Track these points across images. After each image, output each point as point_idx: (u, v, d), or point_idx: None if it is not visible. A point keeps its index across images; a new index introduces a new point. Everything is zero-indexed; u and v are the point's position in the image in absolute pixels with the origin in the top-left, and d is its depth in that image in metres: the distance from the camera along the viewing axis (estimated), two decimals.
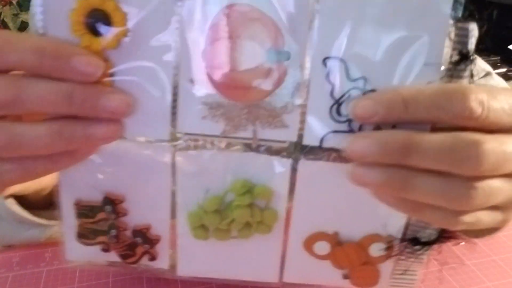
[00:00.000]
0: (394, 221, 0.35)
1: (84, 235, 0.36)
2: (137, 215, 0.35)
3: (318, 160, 0.32)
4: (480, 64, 0.32)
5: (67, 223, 0.36)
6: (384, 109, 0.28)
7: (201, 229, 0.35)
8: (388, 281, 0.37)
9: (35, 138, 0.28)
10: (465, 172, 0.27)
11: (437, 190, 0.28)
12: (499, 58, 1.47)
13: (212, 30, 0.29)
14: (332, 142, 0.31)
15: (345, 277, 0.38)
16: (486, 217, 0.30)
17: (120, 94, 0.30)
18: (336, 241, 0.36)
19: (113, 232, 0.36)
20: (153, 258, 0.37)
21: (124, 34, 0.29)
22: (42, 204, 0.49)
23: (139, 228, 0.36)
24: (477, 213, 0.29)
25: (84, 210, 0.35)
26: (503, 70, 1.44)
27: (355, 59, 0.30)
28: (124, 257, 0.37)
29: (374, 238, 0.35)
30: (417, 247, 0.34)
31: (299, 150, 0.32)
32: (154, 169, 0.33)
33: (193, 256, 0.37)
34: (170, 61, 0.30)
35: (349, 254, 0.36)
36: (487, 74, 0.32)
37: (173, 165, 0.33)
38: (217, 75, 0.30)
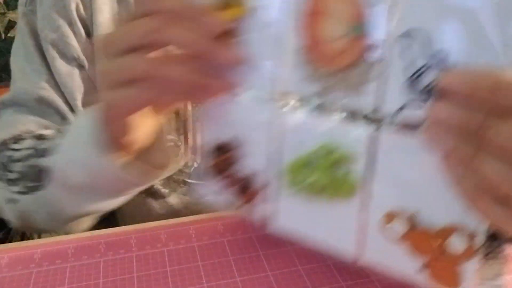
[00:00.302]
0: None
1: (213, 173, 0.44)
2: (248, 162, 0.42)
3: (398, 131, 0.34)
4: None
5: (203, 162, 0.44)
6: (468, 87, 0.27)
7: (291, 184, 0.40)
8: (474, 285, 0.34)
9: (176, 69, 0.37)
10: None
11: (507, 171, 0.27)
12: None
13: (306, 5, 0.35)
14: (409, 113, 0.33)
15: (423, 268, 0.36)
16: None
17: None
18: (413, 223, 0.35)
19: (232, 170, 0.43)
20: (254, 205, 0.42)
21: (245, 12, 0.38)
22: None
23: (248, 173, 0.42)
24: None
25: (215, 151, 0.43)
26: None
27: (439, 31, 0.30)
28: (236, 198, 0.44)
29: (452, 229, 0.34)
30: (496, 243, 0.33)
31: (380, 120, 0.35)
32: (263, 123, 0.40)
33: (284, 211, 0.41)
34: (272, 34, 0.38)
35: (422, 240, 0.35)
36: None
37: (275, 122, 0.39)
38: (312, 45, 0.36)
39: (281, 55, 0.37)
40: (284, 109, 0.38)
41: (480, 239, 0.32)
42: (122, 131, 0.42)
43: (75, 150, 0.47)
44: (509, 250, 0.33)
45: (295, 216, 0.41)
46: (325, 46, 0.35)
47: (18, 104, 0.61)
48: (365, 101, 0.34)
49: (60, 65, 0.60)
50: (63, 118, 0.61)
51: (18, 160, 0.54)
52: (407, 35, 0.31)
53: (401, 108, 0.33)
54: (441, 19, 0.30)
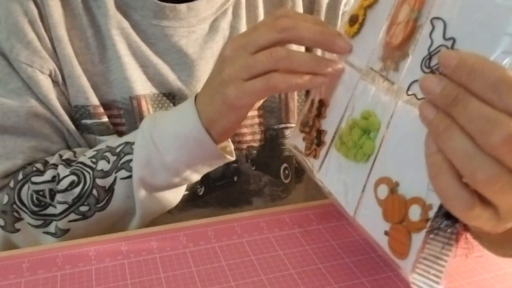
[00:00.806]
0: None
1: (301, 124, 0.52)
2: (325, 119, 0.49)
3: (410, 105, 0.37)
4: None
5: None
6: (454, 65, 0.30)
7: (337, 141, 0.46)
8: (416, 259, 0.36)
9: (303, 59, 0.47)
10: None
11: (467, 148, 0.29)
12: None
13: None
14: (416, 89, 0.36)
15: (386, 233, 0.39)
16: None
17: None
18: (393, 190, 0.38)
19: (310, 123, 0.51)
20: (315, 156, 0.48)
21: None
22: None
23: (320, 129, 0.49)
24: (501, 166, 0.29)
25: (311, 104, 0.51)
26: None
27: (453, 21, 0.35)
28: (306, 147, 0.50)
29: (416, 200, 0.36)
30: (448, 222, 0.35)
31: (399, 92, 0.39)
32: (346, 90, 0.46)
33: (326, 166, 0.47)
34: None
35: (394, 206, 0.38)
36: None
37: (353, 90, 0.45)
38: (389, 27, 0.42)
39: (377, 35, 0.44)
40: (361, 81, 0.44)
41: (433, 212, 0.34)
42: (238, 121, 0.52)
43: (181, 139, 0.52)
44: (459, 234, 0.35)
45: (330, 171, 0.46)
46: (394, 27, 0.41)
47: (7, 130, 0.59)
48: (398, 76, 0.39)
49: (39, 81, 0.59)
50: (60, 133, 0.61)
51: (63, 191, 0.55)
52: (432, 22, 0.36)
53: (414, 81, 0.37)
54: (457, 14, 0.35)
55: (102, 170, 0.55)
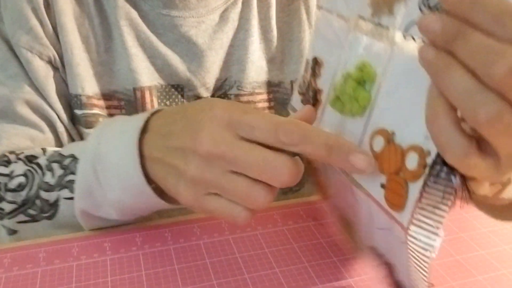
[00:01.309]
0: None
1: (299, 86, 0.50)
2: (320, 78, 0.46)
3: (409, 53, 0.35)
4: None
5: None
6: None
7: (332, 95, 0.43)
8: (414, 209, 0.34)
9: (282, 166, 0.38)
10: None
11: (484, 46, 0.27)
12: None
13: None
14: (414, 31, 0.34)
15: (382, 186, 0.37)
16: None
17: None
18: (389, 139, 0.37)
19: (307, 83, 0.48)
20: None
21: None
22: None
23: (317, 88, 0.46)
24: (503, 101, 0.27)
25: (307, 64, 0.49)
26: None
27: None
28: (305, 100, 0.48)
29: (414, 148, 0.34)
30: (447, 169, 0.33)
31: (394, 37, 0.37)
32: (337, 44, 0.44)
33: (323, 120, 0.45)
34: None
35: (390, 156, 0.36)
36: None
37: (344, 43, 0.43)
38: None
39: None
40: (351, 32, 0.42)
41: (431, 158, 0.32)
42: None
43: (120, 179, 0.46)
44: (458, 185, 0.33)
45: (325, 129, 0.44)
46: None
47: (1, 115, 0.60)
48: (393, 19, 0.37)
49: (37, 67, 0.59)
50: (50, 122, 0.61)
51: (12, 190, 0.52)
52: None
53: (411, 24, 0.35)
54: None
55: (47, 183, 0.52)
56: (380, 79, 0.38)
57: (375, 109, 0.38)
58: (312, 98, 0.47)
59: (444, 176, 0.33)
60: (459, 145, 0.29)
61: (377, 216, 0.38)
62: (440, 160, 0.32)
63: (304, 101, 0.49)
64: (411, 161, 0.34)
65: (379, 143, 0.37)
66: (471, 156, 0.29)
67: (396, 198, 0.35)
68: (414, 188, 0.34)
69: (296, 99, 0.50)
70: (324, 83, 0.45)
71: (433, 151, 0.32)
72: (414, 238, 0.34)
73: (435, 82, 0.30)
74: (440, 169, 0.32)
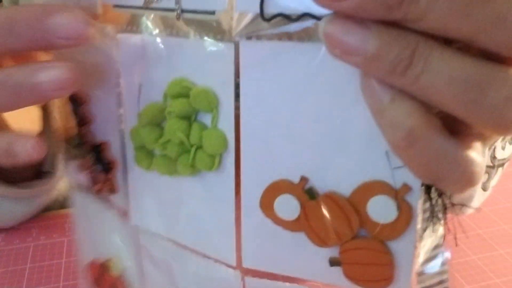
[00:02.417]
0: None
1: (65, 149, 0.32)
2: (97, 125, 0.29)
3: (265, 40, 0.21)
4: None
5: None
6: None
7: (142, 151, 0.27)
8: (412, 274, 0.22)
9: None
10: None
11: (459, 71, 0.17)
12: None
13: None
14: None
15: (334, 262, 0.23)
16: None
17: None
18: (305, 193, 0.23)
19: (77, 141, 0.30)
20: (112, 189, 0.30)
21: None
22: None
23: (97, 143, 0.29)
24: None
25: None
26: None
27: None
28: (92, 181, 0.31)
29: (373, 187, 0.21)
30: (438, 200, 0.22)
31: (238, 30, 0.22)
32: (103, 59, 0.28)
33: (141, 196, 0.29)
34: None
35: (331, 214, 0.22)
36: None
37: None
38: None
39: None
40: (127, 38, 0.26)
41: (415, 194, 0.21)
42: None
43: None
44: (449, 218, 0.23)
45: (157, 201, 0.29)
46: None
47: None
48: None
49: None
50: None
51: None
52: None
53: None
54: None
55: None
56: (228, 104, 0.24)
57: (243, 155, 0.24)
58: (98, 158, 0.30)
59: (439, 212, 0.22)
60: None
61: None
62: (426, 192, 0.21)
63: (84, 167, 0.32)
64: (379, 210, 0.21)
65: (289, 204, 0.23)
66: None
67: (371, 271, 0.23)
68: (403, 248, 0.22)
69: (70, 174, 0.33)
70: (110, 130, 0.29)
71: (415, 183, 0.21)
72: None
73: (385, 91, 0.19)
74: (433, 206, 0.22)
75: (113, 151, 0.29)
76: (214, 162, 0.24)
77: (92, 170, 0.30)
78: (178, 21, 0.23)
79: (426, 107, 0.18)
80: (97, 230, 0.33)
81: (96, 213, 0.32)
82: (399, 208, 0.21)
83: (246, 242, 0.25)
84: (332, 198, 0.22)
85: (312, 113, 0.21)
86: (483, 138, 0.21)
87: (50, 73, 0.24)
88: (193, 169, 0.25)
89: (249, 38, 0.21)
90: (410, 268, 0.22)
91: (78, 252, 0.34)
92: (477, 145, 0.20)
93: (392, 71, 0.18)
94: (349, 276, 0.23)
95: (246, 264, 0.26)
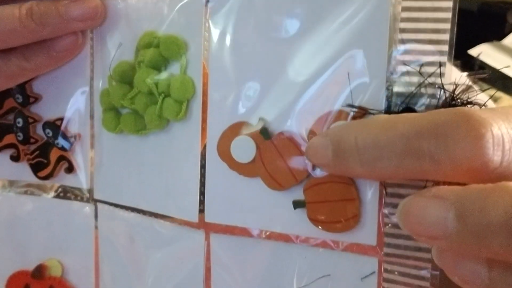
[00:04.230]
0: None
1: None
2: (51, 102, 0.29)
3: None
4: None
5: None
6: (333, 155, 0.18)
7: (110, 112, 0.27)
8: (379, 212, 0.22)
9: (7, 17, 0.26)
10: None
11: None
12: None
13: None
14: None
15: (297, 204, 0.23)
16: None
17: None
18: (260, 133, 0.23)
19: (20, 123, 0.28)
20: (71, 168, 0.29)
21: None
22: None
23: (52, 120, 0.29)
24: None
25: None
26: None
27: None
28: (36, 168, 0.29)
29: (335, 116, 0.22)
30: None
31: None
32: None
33: (106, 168, 0.28)
34: None
35: (284, 152, 0.23)
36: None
37: None
38: None
39: None
40: None
41: None
42: None
43: None
44: None
45: (123, 171, 0.28)
46: None
47: None
48: None
49: None
50: None
51: None
52: None
53: None
54: None
55: None
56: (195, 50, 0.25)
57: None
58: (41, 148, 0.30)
59: None
60: None
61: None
62: None
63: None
64: None
65: (246, 148, 0.23)
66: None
67: (337, 208, 0.22)
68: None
69: None
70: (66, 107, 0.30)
71: None
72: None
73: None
74: None
75: (77, 123, 0.29)
76: (181, 108, 0.24)
77: (35, 156, 0.29)
78: None
79: None
80: (30, 233, 0.31)
81: (30, 213, 0.31)
82: None
83: (209, 194, 0.25)
84: (286, 136, 0.22)
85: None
86: None
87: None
88: (160, 121, 0.25)
89: None
90: (377, 204, 0.21)
91: None
92: None
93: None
94: (314, 218, 0.22)
95: (208, 219, 0.25)
